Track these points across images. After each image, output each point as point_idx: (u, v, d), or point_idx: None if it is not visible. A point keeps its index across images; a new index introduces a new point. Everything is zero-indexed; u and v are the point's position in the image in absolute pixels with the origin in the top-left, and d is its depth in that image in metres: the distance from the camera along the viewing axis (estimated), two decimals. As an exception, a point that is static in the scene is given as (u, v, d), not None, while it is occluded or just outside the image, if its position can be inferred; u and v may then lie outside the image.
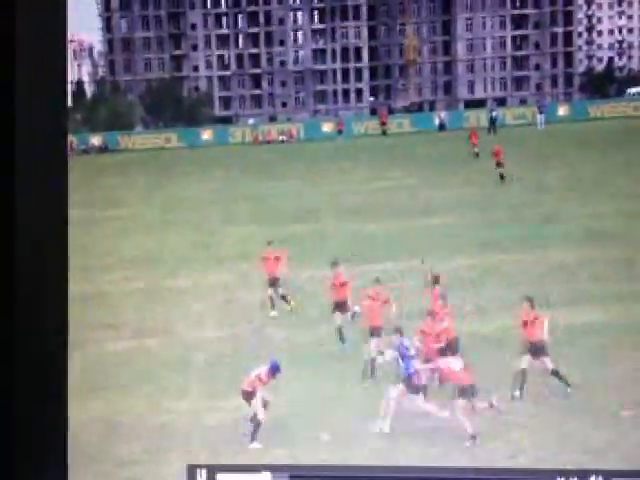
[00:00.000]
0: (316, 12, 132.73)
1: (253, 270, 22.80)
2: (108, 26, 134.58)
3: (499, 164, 40.99)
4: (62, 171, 1.53)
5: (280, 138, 68.62)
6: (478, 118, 64.94)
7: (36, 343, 1.37)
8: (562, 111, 65.15)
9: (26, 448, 1.33)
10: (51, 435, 1.38)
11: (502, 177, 39.16)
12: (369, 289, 16.61)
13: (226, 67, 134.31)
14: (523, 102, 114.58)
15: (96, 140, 74.40)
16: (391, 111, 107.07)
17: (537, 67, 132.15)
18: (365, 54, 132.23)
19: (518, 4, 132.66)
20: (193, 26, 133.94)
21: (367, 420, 13.36)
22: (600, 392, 13.97)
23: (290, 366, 15.52)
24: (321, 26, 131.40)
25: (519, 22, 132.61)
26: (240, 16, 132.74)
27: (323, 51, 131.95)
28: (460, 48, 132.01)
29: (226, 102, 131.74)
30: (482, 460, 11.80)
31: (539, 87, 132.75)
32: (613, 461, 11.62)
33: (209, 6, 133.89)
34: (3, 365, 1.32)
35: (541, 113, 58.43)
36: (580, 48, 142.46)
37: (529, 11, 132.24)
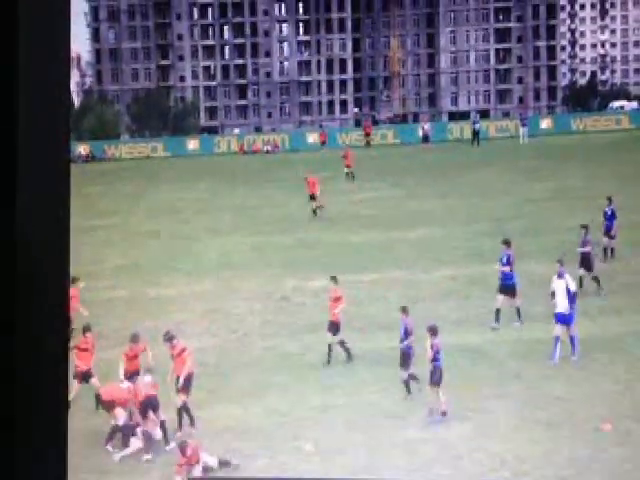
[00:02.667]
0: (301, 24, 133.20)
1: (236, 279, 22.84)
2: (96, 36, 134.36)
3: (348, 166, 43.38)
4: (65, 177, 1.55)
5: (265, 148, 68.74)
6: (461, 130, 65.35)
7: (37, 347, 1.39)
8: (545, 124, 65.59)
9: (25, 447, 1.34)
10: (50, 435, 1.39)
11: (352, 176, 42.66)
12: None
13: (212, 77, 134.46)
14: (506, 115, 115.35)
15: (83, 149, 74.33)
16: (375, 122, 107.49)
17: (520, 80, 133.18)
18: (350, 66, 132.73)
19: (501, 18, 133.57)
20: (180, 37, 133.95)
21: (352, 431, 13.42)
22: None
23: (275, 375, 15.57)
24: (306, 38, 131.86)
25: (502, 35, 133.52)
26: (226, 27, 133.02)
27: (308, 63, 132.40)
28: (444, 61, 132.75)
29: (212, 112, 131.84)
30: (468, 473, 11.88)
31: (522, 100, 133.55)
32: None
33: (196, 17, 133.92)
34: (3, 371, 1.33)
35: (524, 126, 58.74)
36: (563, 62, 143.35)
37: (512, 25, 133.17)
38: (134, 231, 31.98)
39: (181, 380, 13.48)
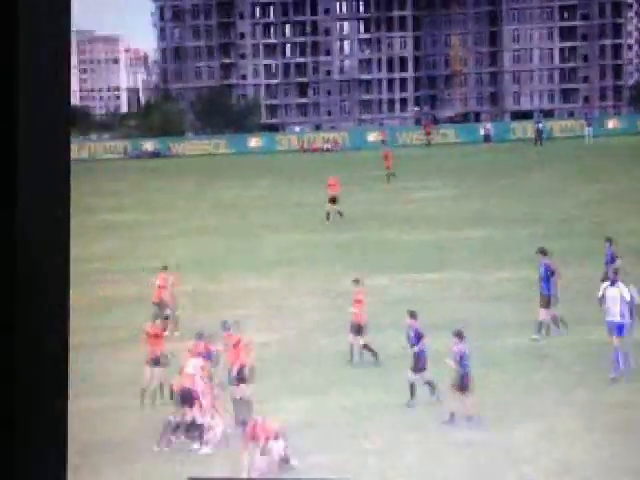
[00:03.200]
0: (362, 22, 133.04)
1: (295, 276, 22.97)
2: (162, 36, 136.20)
3: (388, 167, 42.79)
4: (65, 177, 1.56)
5: (325, 146, 68.86)
6: (524, 130, 64.53)
7: (37, 347, 1.39)
8: (611, 124, 64.37)
9: (25, 447, 1.34)
10: (50, 434, 1.39)
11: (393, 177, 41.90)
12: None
13: (273, 76, 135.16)
14: (571, 115, 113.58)
15: (149, 145, 75.48)
16: (436, 121, 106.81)
17: (585, 79, 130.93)
18: (410, 64, 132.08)
19: (566, 16, 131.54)
20: (242, 35, 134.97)
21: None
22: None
23: (334, 371, 15.62)
24: (367, 36, 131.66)
25: (567, 34, 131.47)
26: (288, 26, 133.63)
27: (369, 61, 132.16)
28: (507, 59, 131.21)
29: (273, 110, 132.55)
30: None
31: (587, 99, 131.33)
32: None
33: (258, 16, 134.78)
34: (3, 371, 1.34)
35: (589, 126, 57.79)
36: (630, 61, 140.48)
37: (577, 23, 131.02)
38: (195, 227, 32.35)
39: (234, 371, 13.57)
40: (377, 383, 14.94)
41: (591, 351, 15.98)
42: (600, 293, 15.78)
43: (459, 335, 13.78)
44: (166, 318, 18.23)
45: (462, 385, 13.44)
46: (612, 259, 19.16)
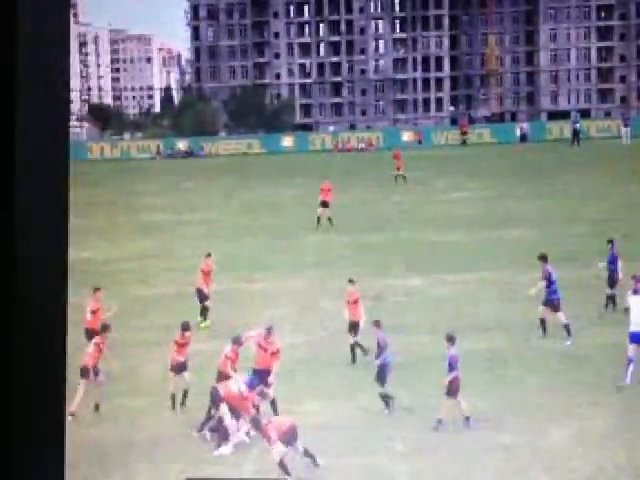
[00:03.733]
0: (397, 21, 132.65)
1: (329, 277, 22.94)
2: (196, 35, 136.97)
3: (398, 168, 42.37)
4: (63, 178, 1.55)
5: (359, 146, 68.73)
6: (561, 130, 63.93)
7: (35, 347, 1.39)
8: (647, 124, 63.69)
9: (24, 448, 1.33)
10: (49, 435, 1.39)
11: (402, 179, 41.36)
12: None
13: (307, 75, 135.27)
14: (608, 115, 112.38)
15: (182, 145, 75.88)
16: (472, 121, 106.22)
17: (622, 79, 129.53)
18: (446, 63, 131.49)
19: (603, 15, 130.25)
20: (276, 34, 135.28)
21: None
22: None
23: (365, 373, 15.58)
24: (402, 35, 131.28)
25: (604, 33, 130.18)
26: (322, 25, 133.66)
27: (404, 60, 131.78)
28: (543, 58, 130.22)
29: (307, 109, 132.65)
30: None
31: (624, 99, 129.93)
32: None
33: (292, 15, 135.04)
34: (2, 371, 1.34)
35: (626, 126, 57.04)
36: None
37: (615, 23, 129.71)
38: (229, 226, 32.45)
39: (268, 376, 13.61)
40: (405, 385, 14.85)
41: (625, 354, 15.76)
42: (625, 304, 15.43)
43: (451, 339, 13.41)
44: (206, 309, 18.54)
45: (454, 390, 13.16)
46: (614, 260, 18.98)
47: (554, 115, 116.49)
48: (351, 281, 17.10)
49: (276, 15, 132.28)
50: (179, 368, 14.41)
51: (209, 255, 19.82)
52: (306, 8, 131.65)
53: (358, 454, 12.32)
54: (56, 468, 1.68)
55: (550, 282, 17.29)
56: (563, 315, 17.08)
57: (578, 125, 59.75)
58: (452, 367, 13.24)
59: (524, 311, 18.77)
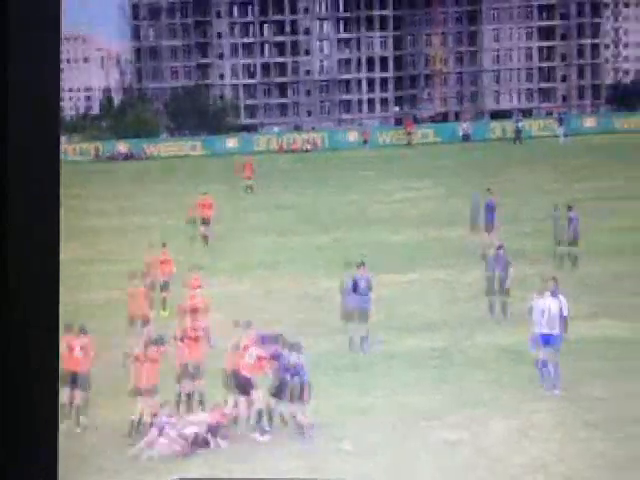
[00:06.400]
0: (342, 22, 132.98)
1: (274, 279, 22.86)
2: (136, 35, 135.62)
3: (249, 178, 41.13)
4: (55, 180, 1.57)
5: (305, 147, 68.69)
6: (504, 129, 64.71)
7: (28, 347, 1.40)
8: (589, 123, 64.79)
9: (18, 447, 1.35)
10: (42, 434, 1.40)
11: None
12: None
13: (252, 76, 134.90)
14: (549, 114, 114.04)
15: (122, 147, 74.94)
16: (416, 121, 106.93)
17: (564, 79, 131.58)
18: (391, 64, 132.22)
19: (545, 15, 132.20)
20: (219, 35, 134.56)
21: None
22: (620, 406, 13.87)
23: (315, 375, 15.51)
24: (347, 36, 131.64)
25: (546, 33, 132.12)
26: (266, 25, 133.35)
27: (349, 61, 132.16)
28: (486, 59, 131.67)
29: (251, 110, 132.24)
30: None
31: (565, 99, 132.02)
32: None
33: (235, 15, 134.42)
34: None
35: (560, 125, 57.96)
36: (607, 60, 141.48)
37: (556, 22, 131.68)
38: (170, 229, 32.11)
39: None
40: (353, 384, 14.86)
41: (570, 348, 15.98)
42: (530, 306, 15.30)
43: (293, 347, 13.15)
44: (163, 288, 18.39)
45: (302, 395, 13.02)
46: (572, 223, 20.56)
47: (497, 114, 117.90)
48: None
49: (219, 15, 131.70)
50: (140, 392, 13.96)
51: (164, 245, 19.90)
52: (249, 8, 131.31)
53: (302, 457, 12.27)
54: (49, 467, 1.68)
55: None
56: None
57: (520, 124, 60.61)
58: (299, 372, 13.03)
59: (468, 309, 18.95)
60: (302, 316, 19.13)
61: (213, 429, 12.74)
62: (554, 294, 15.16)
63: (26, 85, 1.38)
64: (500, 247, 18.66)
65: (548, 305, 14.99)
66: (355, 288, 16.22)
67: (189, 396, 13.61)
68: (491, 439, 12.61)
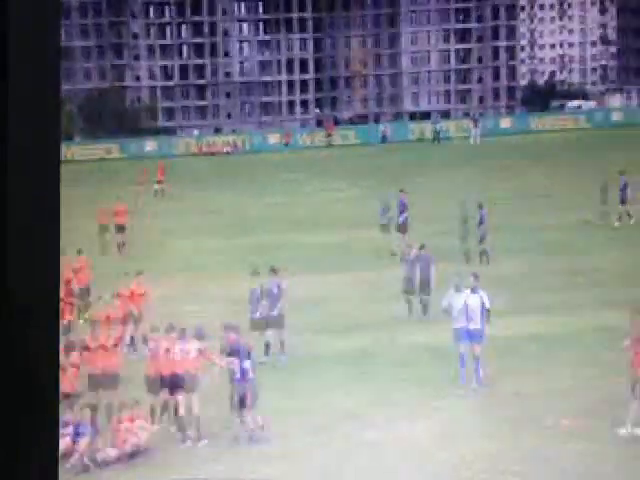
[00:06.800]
0: (262, 24, 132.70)
1: (200, 281, 22.59)
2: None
3: (159, 182, 39.97)
4: (55, 180, 1.57)
5: (225, 149, 68.31)
6: (422, 130, 65.55)
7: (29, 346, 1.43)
8: (504, 124, 66.05)
9: (17, 448, 1.35)
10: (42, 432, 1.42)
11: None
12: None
13: (170, 77, 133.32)
14: (466, 115, 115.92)
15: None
16: (337, 122, 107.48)
17: (480, 80, 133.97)
18: (311, 66, 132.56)
19: (462, 18, 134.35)
20: (135, 35, 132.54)
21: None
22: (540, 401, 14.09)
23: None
24: (267, 37, 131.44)
25: (463, 36, 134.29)
26: (184, 26, 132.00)
27: (269, 63, 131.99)
28: (405, 61, 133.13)
29: (170, 113, 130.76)
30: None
31: (482, 100, 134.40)
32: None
33: (152, 16, 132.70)
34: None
35: (476, 126, 58.85)
36: (523, 62, 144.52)
37: (472, 25, 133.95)
38: (84, 235, 31.49)
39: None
40: (277, 386, 14.75)
41: (487, 345, 16.16)
42: (445, 304, 15.36)
43: (242, 353, 12.90)
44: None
45: (244, 402, 12.86)
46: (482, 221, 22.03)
47: (416, 116, 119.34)
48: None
49: (134, 15, 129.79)
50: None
51: (79, 253, 19.13)
52: (166, 9, 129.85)
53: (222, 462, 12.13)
54: (49, 466, 1.72)
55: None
56: None
57: (438, 125, 61.36)
58: (246, 378, 12.88)
59: (389, 308, 19.03)
60: (224, 318, 18.90)
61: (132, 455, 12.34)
62: (474, 290, 15.21)
63: (26, 85, 1.41)
64: (422, 247, 18.78)
65: (468, 301, 15.05)
66: (266, 295, 16.00)
67: (109, 406, 13.28)
68: (414, 437, 12.66)
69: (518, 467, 11.74)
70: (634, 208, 27.38)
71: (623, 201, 27.39)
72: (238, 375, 12.85)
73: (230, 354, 13.12)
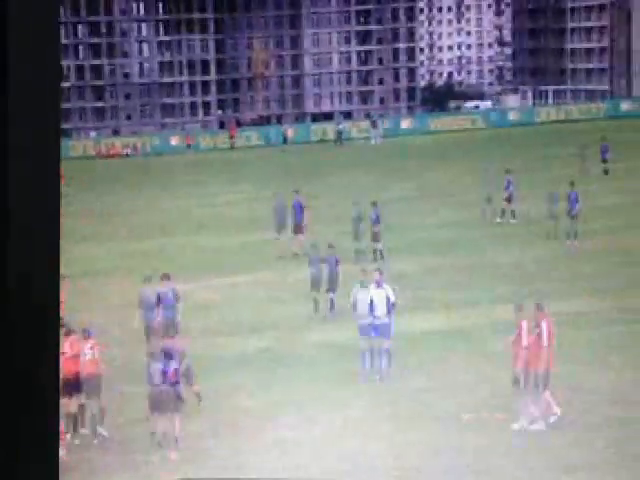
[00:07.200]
0: (162, 24, 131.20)
1: (103, 286, 22.21)
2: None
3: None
4: (55, 179, 1.56)
5: (125, 152, 67.19)
6: (324, 131, 65.94)
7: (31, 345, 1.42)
8: (405, 124, 67.01)
9: (18, 447, 1.33)
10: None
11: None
12: None
13: (65, 78, 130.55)
14: (368, 116, 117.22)
15: None
16: (239, 124, 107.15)
17: (381, 82, 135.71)
18: (212, 67, 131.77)
19: (362, 20, 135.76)
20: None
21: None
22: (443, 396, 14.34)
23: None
24: (167, 38, 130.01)
25: (363, 38, 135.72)
26: (80, 26, 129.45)
27: (170, 64, 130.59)
28: (307, 62, 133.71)
29: (65, 115, 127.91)
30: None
31: (383, 101, 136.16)
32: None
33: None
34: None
35: (375, 127, 59.57)
36: (422, 63, 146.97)
37: (373, 27, 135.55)
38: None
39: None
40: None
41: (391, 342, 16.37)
42: (353, 299, 15.44)
43: (176, 356, 12.84)
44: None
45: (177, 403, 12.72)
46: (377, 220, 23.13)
47: (319, 117, 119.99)
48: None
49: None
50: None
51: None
52: (61, 9, 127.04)
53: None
54: (49, 467, 1.72)
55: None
56: None
57: (341, 126, 61.82)
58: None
59: (294, 308, 19.08)
60: (125, 324, 18.62)
61: None
62: (379, 285, 15.37)
63: (26, 85, 1.37)
64: (330, 246, 18.91)
65: (373, 296, 15.21)
66: (160, 301, 15.78)
67: None
68: (319, 435, 12.71)
69: (420, 462, 11.91)
70: (519, 207, 28.00)
71: (508, 199, 28.08)
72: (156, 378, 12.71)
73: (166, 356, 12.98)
